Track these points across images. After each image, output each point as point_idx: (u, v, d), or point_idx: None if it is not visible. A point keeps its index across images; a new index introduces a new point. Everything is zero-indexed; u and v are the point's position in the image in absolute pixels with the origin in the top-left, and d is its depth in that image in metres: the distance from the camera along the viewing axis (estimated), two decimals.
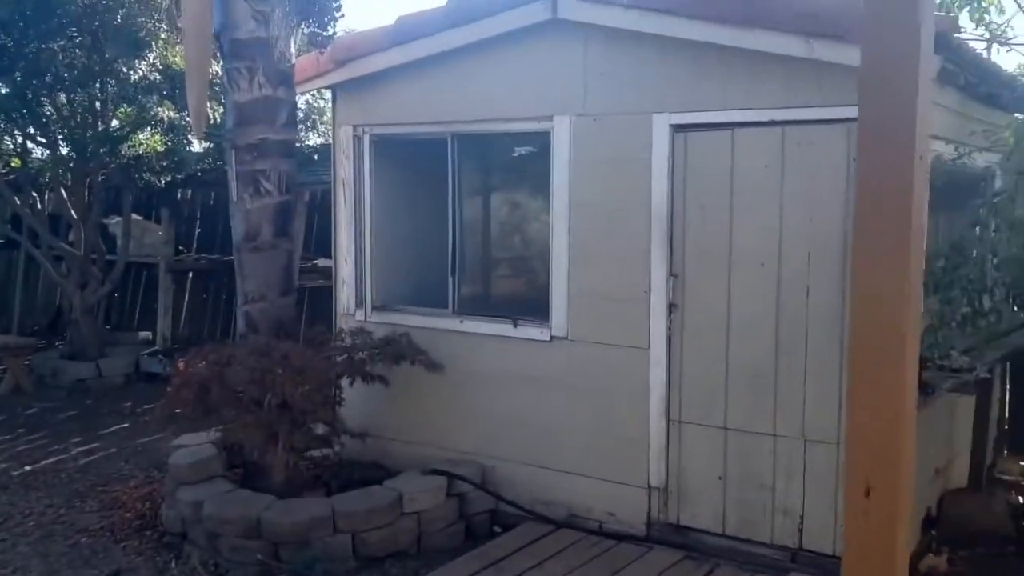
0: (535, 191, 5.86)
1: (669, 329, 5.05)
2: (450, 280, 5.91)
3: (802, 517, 4.71)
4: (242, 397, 5.23)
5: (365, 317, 6.11)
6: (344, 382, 5.68)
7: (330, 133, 10.87)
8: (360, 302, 6.22)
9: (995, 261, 4.25)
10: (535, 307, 5.60)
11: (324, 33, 5.63)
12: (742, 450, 4.88)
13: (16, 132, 10.47)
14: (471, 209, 6.17)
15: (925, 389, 4.30)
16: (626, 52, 5.06)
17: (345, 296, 6.31)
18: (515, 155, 6.21)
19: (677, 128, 4.95)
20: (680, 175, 4.97)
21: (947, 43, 3.96)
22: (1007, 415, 6.46)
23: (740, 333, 4.86)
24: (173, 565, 5.10)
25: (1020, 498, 5.69)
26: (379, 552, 5.05)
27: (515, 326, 5.58)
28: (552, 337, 5.44)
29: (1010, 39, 6.65)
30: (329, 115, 10.83)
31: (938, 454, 5.35)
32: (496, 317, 5.73)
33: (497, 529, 5.49)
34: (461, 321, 5.82)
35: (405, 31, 5.66)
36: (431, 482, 5.36)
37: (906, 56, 1.94)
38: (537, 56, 5.37)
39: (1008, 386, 6.37)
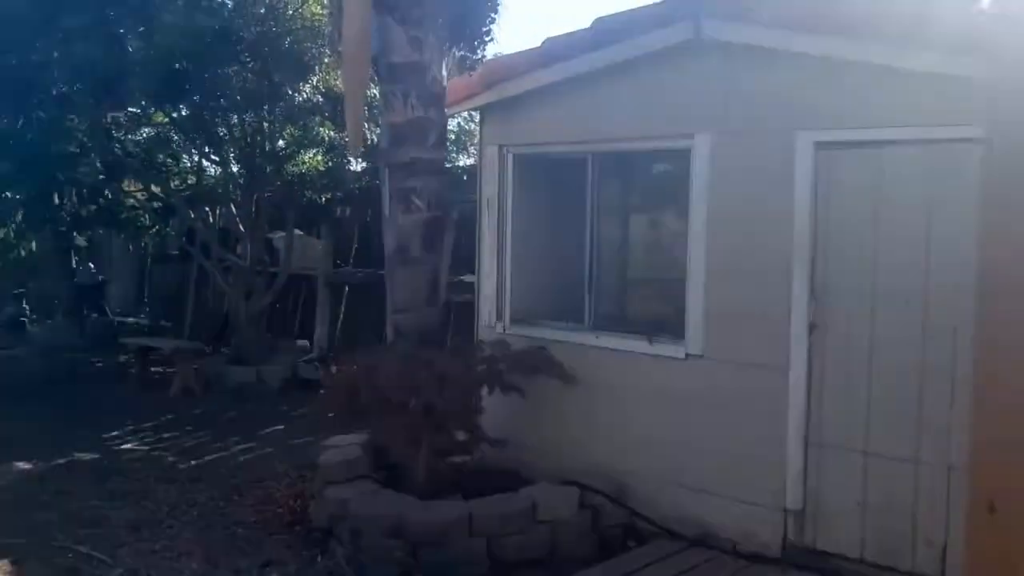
0: (673, 208, 5.91)
1: (809, 350, 4.97)
2: (586, 295, 6.02)
3: (945, 547, 4.53)
4: (388, 401, 5.49)
5: (504, 329, 6.30)
6: (483, 391, 5.86)
7: (469, 158, 11.35)
8: (500, 315, 6.42)
9: None
10: (671, 324, 5.64)
11: (474, 56, 5.88)
12: (883, 476, 4.74)
13: (193, 151, 11.36)
14: (608, 226, 6.26)
15: None
16: (769, 69, 5.05)
17: (486, 309, 6.52)
18: (653, 173, 6.28)
19: (821, 146, 4.90)
20: (824, 194, 4.90)
21: None
22: None
23: (883, 355, 4.74)
24: (319, 559, 5.37)
25: None
26: (513, 558, 5.16)
27: (650, 343, 5.62)
28: (687, 355, 5.45)
29: None
30: (479, 137, 11.27)
31: None
32: (631, 333, 5.79)
33: (631, 543, 5.52)
34: (597, 336, 5.92)
35: (551, 53, 5.84)
36: (565, 492, 5.46)
37: None
38: (678, 75, 5.43)
39: None
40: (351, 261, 12.38)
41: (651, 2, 5.51)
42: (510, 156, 6.25)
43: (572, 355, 5.86)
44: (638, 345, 5.67)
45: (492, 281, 6.48)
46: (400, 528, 5.14)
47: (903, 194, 4.65)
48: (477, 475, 6.00)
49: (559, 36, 5.86)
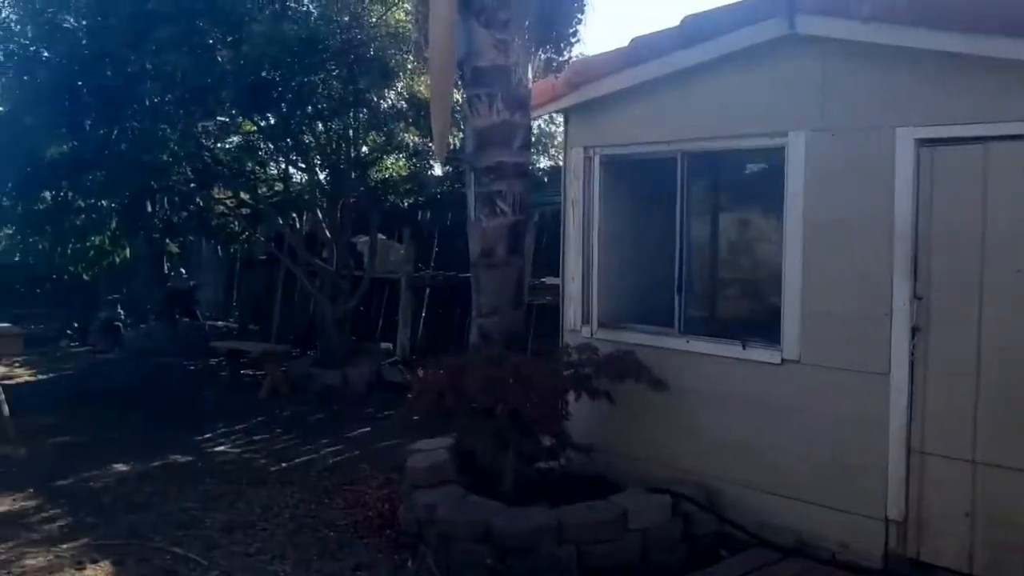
0: (766, 209, 5.76)
1: (912, 354, 4.78)
2: (676, 299, 5.90)
3: None
4: (475, 406, 5.47)
5: (591, 334, 6.22)
6: (570, 396, 5.80)
7: (560, 156, 11.27)
8: (586, 319, 6.35)
9: None
10: (765, 328, 5.50)
11: (560, 58, 5.83)
12: (994, 486, 4.53)
13: (280, 158, 11.58)
14: (699, 227, 6.14)
15: None
16: (867, 65, 4.88)
17: (571, 312, 6.46)
18: (746, 172, 6.13)
19: (922, 142, 4.70)
20: (926, 192, 4.71)
21: None
22: None
23: (992, 360, 4.52)
24: (409, 564, 5.38)
25: None
26: (603, 567, 5.08)
27: (744, 347, 5.49)
28: (783, 360, 5.30)
29: None
30: (560, 139, 11.18)
31: None
32: (723, 337, 5.66)
33: (723, 552, 5.40)
34: (687, 341, 5.80)
35: (638, 53, 5.75)
36: (656, 500, 5.36)
37: None
38: (771, 72, 5.29)
39: None
40: (431, 264, 12.47)
41: None
42: (596, 157, 6.17)
43: (661, 359, 5.75)
44: (731, 350, 5.54)
45: (577, 284, 6.41)
46: (489, 534, 5.11)
47: (1012, 191, 4.43)
48: (563, 481, 5.95)
49: (647, 35, 5.77)
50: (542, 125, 11.45)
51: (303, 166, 11.30)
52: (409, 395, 5.73)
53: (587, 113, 6.23)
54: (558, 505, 5.42)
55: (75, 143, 8.86)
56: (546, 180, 10.21)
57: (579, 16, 5.76)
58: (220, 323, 15.66)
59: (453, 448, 6.06)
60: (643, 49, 5.71)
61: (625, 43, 5.87)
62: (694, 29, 5.47)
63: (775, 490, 5.33)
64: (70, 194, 10.48)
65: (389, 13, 8.82)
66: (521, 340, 6.21)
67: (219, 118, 10.05)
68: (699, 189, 6.00)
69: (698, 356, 5.73)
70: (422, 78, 8.77)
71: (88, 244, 13.86)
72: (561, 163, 11.22)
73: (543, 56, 5.96)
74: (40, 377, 11.60)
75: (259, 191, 11.80)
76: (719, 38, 5.35)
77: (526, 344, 6.23)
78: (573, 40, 5.81)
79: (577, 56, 6.35)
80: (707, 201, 6.20)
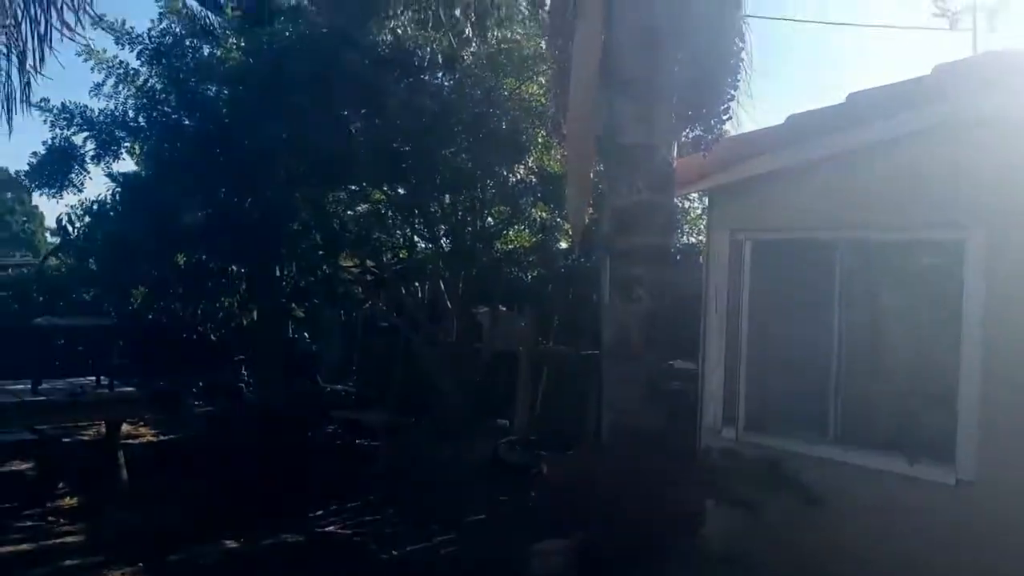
0: (939, 307, 5.17)
1: None
2: (832, 402, 5.35)
3: None
4: (607, 509, 5.02)
5: (736, 436, 5.69)
6: (708, 503, 5.28)
7: (684, 237, 10.80)
8: (729, 419, 5.83)
9: None
10: (935, 443, 4.90)
11: (709, 136, 5.42)
12: None
13: (405, 227, 11.51)
14: (859, 324, 5.57)
15: None
16: None
17: (712, 411, 5.96)
18: (915, 266, 5.54)
19: None
20: None
21: None
22: None
23: None
24: None
25: None
26: None
27: (910, 464, 4.87)
28: (958, 480, 4.66)
29: None
30: (688, 217, 10.73)
31: None
32: (886, 450, 5.05)
33: None
34: (844, 450, 5.22)
35: (796, 132, 5.31)
36: None
37: None
38: (947, 157, 4.76)
39: None
40: (552, 338, 12.07)
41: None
42: (748, 243, 5.71)
43: (813, 469, 5.20)
44: (895, 464, 4.94)
45: (718, 379, 5.92)
46: None
47: None
48: None
49: (804, 113, 5.33)
50: None
51: (428, 235, 11.18)
52: (533, 493, 5.32)
53: (736, 194, 5.81)
54: None
55: (209, 211, 8.94)
56: (678, 258, 9.72)
57: (731, 92, 5.34)
58: (339, 387, 15.60)
59: (577, 549, 5.59)
60: (802, 127, 5.27)
61: (779, 121, 5.45)
62: (860, 107, 5.00)
63: None
64: (203, 257, 10.61)
65: (523, 87, 8.61)
66: (656, 439, 5.70)
67: (350, 186, 10.02)
68: (860, 282, 5.46)
69: (856, 468, 5.14)
70: (553, 152, 8.50)
71: (218, 306, 14.12)
72: (687, 241, 10.85)
73: (690, 133, 5.56)
74: (162, 438, 11.68)
75: (383, 258, 11.73)
76: (886, 120, 4.86)
77: (662, 443, 5.73)
78: (724, 117, 5.39)
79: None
80: (869, 295, 5.63)
